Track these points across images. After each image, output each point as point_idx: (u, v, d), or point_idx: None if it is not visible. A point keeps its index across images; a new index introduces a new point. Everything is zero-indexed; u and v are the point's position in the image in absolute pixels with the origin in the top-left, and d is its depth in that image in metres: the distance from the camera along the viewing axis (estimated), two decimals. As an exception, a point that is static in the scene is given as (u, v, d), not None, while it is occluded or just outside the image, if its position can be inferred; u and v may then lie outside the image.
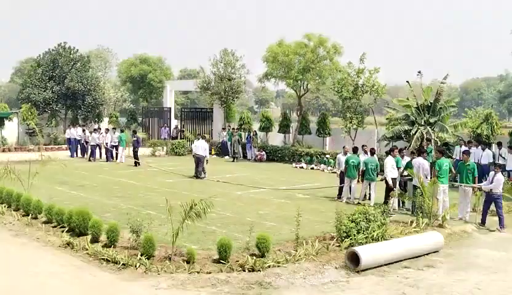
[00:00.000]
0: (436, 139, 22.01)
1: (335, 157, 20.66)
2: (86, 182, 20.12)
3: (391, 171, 16.00)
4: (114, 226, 10.82)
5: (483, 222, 14.29)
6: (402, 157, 16.71)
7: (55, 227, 12.29)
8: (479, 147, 21.57)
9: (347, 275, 9.75)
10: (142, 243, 10.10)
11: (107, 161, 28.01)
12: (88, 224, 11.29)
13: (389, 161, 16.09)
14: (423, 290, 9.12)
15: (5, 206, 14.30)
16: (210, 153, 25.10)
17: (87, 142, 29.06)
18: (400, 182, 16.34)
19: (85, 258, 10.25)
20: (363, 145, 18.37)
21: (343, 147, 18.70)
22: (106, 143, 28.40)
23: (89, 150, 28.75)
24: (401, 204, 16.25)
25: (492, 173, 14.37)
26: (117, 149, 27.97)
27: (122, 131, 29.20)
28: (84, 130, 30.02)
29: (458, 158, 20.84)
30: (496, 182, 13.98)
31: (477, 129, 23.82)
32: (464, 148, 20.69)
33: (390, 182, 15.84)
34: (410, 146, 21.47)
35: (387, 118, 28.29)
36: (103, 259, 10.04)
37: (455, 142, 23.12)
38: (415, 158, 15.70)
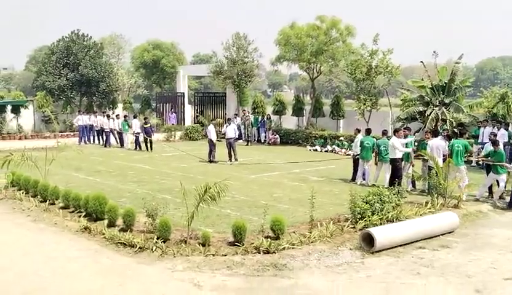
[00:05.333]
0: (451, 119, 21.81)
1: (350, 139, 20.65)
2: (102, 167, 20.32)
3: (397, 152, 15.91)
4: (130, 210, 10.96)
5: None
6: (406, 136, 16.64)
7: (72, 212, 12.47)
8: (494, 126, 21.28)
9: (361, 256, 9.77)
10: (158, 226, 10.21)
11: (121, 147, 28.17)
12: (105, 209, 11.45)
13: (395, 142, 15.95)
14: (438, 270, 9.12)
15: (23, 193, 14.49)
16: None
17: (103, 129, 29.17)
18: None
19: (102, 242, 10.39)
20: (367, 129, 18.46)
21: (356, 129, 18.71)
22: (121, 129, 28.47)
23: (105, 137, 29.01)
24: (413, 186, 16.22)
25: None
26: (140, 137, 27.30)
27: (135, 116, 29.27)
28: (108, 116, 29.63)
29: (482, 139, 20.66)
30: None
31: (492, 109, 23.54)
32: (488, 129, 20.54)
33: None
34: (424, 127, 21.32)
35: (401, 100, 28.06)
36: (119, 242, 10.16)
37: (470, 122, 22.87)
38: (431, 140, 15.63)
